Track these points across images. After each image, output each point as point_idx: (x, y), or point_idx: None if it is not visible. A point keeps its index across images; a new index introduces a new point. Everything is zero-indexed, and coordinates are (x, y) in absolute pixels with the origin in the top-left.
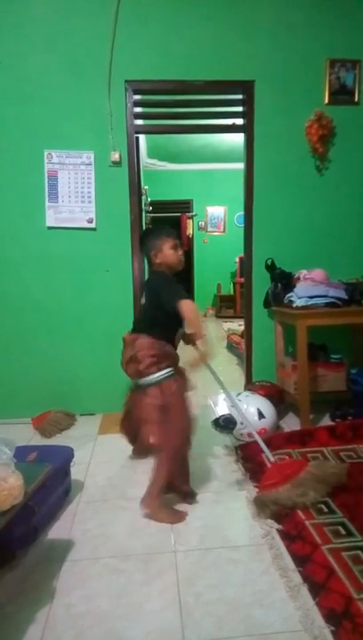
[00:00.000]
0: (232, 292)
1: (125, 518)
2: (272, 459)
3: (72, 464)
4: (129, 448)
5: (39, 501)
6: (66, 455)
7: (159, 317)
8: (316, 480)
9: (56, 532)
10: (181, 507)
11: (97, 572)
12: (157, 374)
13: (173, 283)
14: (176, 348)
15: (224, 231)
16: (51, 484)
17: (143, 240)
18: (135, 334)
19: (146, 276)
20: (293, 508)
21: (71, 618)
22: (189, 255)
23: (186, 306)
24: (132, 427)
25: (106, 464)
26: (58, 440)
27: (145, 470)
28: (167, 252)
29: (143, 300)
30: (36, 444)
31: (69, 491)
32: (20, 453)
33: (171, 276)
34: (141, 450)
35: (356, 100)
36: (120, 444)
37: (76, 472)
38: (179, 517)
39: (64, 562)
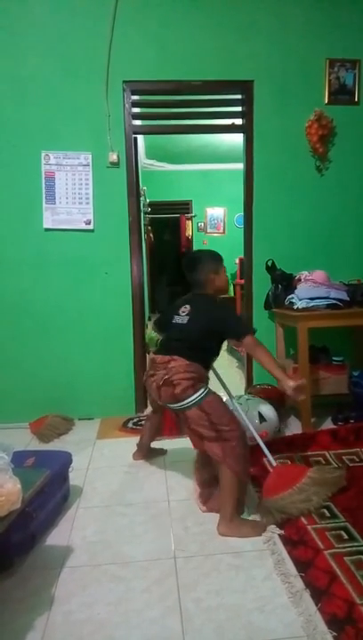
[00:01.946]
0: (232, 294)
1: (124, 524)
2: (274, 463)
3: (70, 469)
4: (128, 453)
5: (37, 507)
6: (64, 460)
7: (207, 344)
8: (317, 484)
9: (54, 538)
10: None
11: (96, 579)
12: (195, 396)
13: (236, 311)
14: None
15: (224, 232)
16: (49, 489)
17: (198, 261)
18: (168, 356)
19: (145, 280)
20: (299, 516)
21: (70, 625)
22: None
23: (256, 346)
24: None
25: (105, 469)
26: (56, 445)
27: (144, 476)
28: (224, 277)
29: (180, 320)
30: (33, 449)
31: (68, 496)
32: (18, 458)
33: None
34: (143, 452)
35: (356, 99)
36: (119, 449)
37: (74, 477)
38: (262, 528)
39: (63, 568)
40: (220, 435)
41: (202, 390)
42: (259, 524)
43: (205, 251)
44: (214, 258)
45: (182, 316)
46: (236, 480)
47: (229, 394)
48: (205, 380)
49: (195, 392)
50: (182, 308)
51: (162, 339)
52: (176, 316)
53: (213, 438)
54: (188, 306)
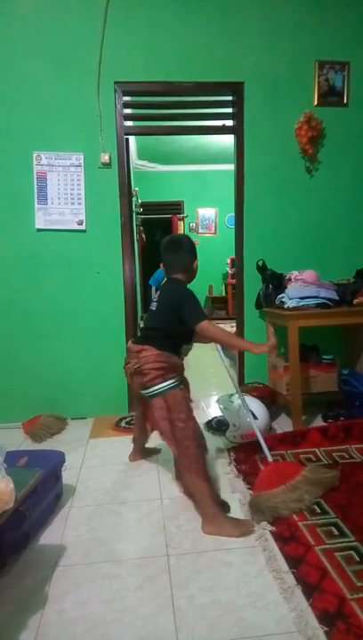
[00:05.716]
0: (224, 294)
1: (117, 522)
2: (271, 458)
3: (63, 468)
4: (121, 452)
5: (30, 507)
6: (57, 460)
7: (173, 328)
8: (310, 483)
9: (48, 537)
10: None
11: (89, 578)
12: (161, 385)
13: (196, 298)
14: (182, 359)
15: (215, 232)
16: (42, 488)
17: (185, 244)
18: (140, 345)
19: (138, 281)
20: (290, 515)
21: (64, 624)
22: None
23: (210, 329)
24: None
25: (98, 468)
26: (49, 444)
27: (137, 474)
28: (196, 267)
29: (153, 307)
30: (26, 449)
31: (61, 495)
32: (11, 458)
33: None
34: (138, 452)
35: (345, 101)
36: (112, 448)
37: (67, 477)
38: (246, 528)
39: (56, 567)
40: (174, 432)
41: (171, 381)
42: (243, 523)
43: (187, 236)
44: (194, 245)
45: (154, 303)
46: (198, 481)
47: (236, 388)
48: (178, 371)
49: (163, 381)
50: (156, 295)
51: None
52: (152, 304)
53: (169, 434)
54: (159, 293)
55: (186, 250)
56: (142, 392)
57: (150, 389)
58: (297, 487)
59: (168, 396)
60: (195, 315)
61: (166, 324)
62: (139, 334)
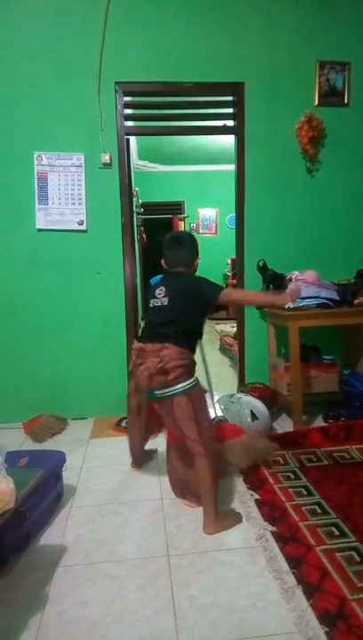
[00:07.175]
0: None
1: (117, 523)
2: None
3: (64, 469)
4: (121, 452)
5: (31, 507)
6: (58, 460)
7: (189, 318)
8: (244, 448)
9: (48, 537)
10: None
11: (90, 578)
12: (185, 383)
13: (207, 278)
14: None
15: (216, 233)
16: (43, 489)
17: (188, 240)
18: (158, 343)
19: (138, 281)
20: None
21: (64, 624)
22: None
23: (235, 293)
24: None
25: (98, 468)
26: (49, 445)
27: (138, 474)
28: (197, 265)
29: (159, 303)
30: (27, 449)
31: (62, 496)
32: (11, 458)
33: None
34: (140, 459)
35: (345, 101)
36: (113, 449)
37: (68, 477)
38: (238, 517)
39: (57, 567)
40: (201, 432)
41: (193, 379)
42: (234, 512)
43: (189, 233)
44: (197, 243)
45: (160, 298)
46: (213, 478)
47: (210, 386)
48: (194, 369)
49: (186, 379)
50: (158, 291)
51: (144, 325)
52: (154, 300)
53: (195, 434)
54: (163, 287)
55: (188, 246)
56: (162, 392)
57: (174, 388)
58: (231, 449)
59: (192, 394)
60: (214, 289)
61: (181, 315)
62: (147, 333)
